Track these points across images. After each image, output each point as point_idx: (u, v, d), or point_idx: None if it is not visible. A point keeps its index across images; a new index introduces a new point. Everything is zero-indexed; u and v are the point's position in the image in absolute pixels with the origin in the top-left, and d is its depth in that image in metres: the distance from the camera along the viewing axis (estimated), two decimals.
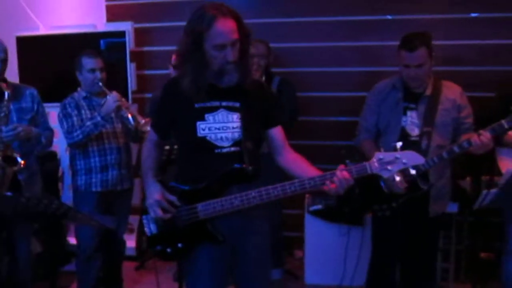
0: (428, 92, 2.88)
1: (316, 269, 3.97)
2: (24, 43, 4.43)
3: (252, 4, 4.47)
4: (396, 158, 2.01)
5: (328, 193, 2.06)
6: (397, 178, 2.14)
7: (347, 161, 2.97)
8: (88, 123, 3.16)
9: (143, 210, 2.33)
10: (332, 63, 4.43)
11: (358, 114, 3.19)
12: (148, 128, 2.53)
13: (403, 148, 2.02)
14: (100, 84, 3.30)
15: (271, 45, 3.94)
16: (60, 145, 4.32)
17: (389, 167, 2.02)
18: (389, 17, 4.29)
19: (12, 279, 3.07)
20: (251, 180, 2.15)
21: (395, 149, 2.03)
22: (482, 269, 3.77)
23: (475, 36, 4.17)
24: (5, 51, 2.96)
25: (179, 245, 2.24)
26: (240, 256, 2.23)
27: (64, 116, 3.28)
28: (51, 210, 2.35)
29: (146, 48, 4.66)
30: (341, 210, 3.65)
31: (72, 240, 3.99)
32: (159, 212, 2.19)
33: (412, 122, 2.87)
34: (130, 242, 4.27)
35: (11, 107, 2.97)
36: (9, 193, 2.65)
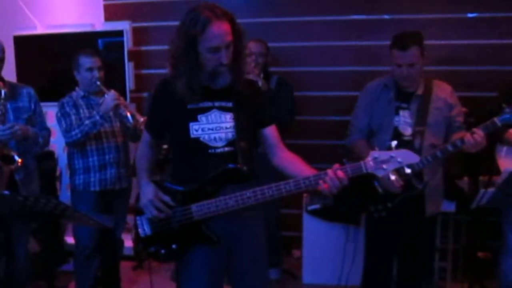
0: (420, 91, 2.88)
1: (314, 269, 3.98)
2: (21, 42, 4.44)
3: (250, 3, 4.48)
4: (391, 157, 2.02)
5: (322, 193, 2.06)
6: (392, 177, 2.15)
7: (344, 160, 2.97)
8: (87, 122, 3.16)
9: (136, 211, 2.32)
10: (329, 63, 4.43)
11: None
12: None
13: (397, 147, 2.03)
14: (98, 83, 3.30)
15: (269, 44, 3.94)
16: (58, 145, 4.31)
17: (384, 166, 2.02)
18: (386, 16, 4.30)
19: (9, 279, 3.06)
20: (246, 180, 2.14)
21: (390, 148, 2.03)
22: (479, 268, 3.77)
23: (472, 36, 4.18)
24: (2, 50, 2.95)
25: (174, 246, 2.23)
26: (235, 256, 2.22)
27: (62, 115, 3.27)
28: (48, 209, 2.34)
29: (144, 48, 4.66)
30: (339, 209, 3.65)
31: (70, 240, 3.98)
32: (154, 212, 2.19)
33: (404, 121, 2.86)
34: (128, 242, 4.27)
35: (8, 106, 2.97)
36: (6, 192, 2.64)
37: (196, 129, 2.15)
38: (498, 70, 4.13)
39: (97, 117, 3.15)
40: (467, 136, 2.60)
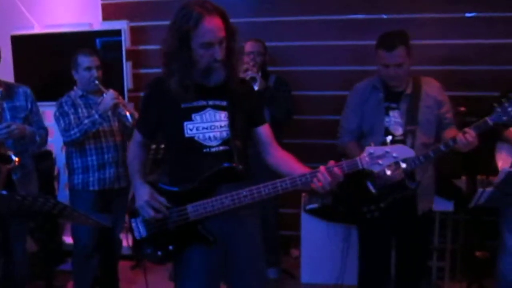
0: (409, 90, 2.86)
1: (313, 268, 3.98)
2: (19, 42, 4.43)
3: (248, 3, 4.47)
4: (387, 152, 2.03)
5: (316, 190, 2.06)
6: (388, 172, 2.15)
7: (343, 159, 2.97)
8: (86, 121, 3.16)
9: (130, 213, 2.30)
10: (327, 62, 4.44)
11: None
12: None
13: (392, 142, 2.04)
14: (97, 82, 3.30)
15: (267, 44, 3.95)
16: (55, 144, 4.30)
17: (380, 161, 2.04)
18: (384, 16, 4.30)
19: (7, 279, 3.06)
20: (241, 179, 2.14)
21: (384, 144, 2.04)
22: (477, 268, 3.78)
23: (470, 36, 4.19)
24: None
25: (170, 247, 2.22)
26: (232, 256, 2.22)
27: (61, 114, 3.27)
28: (46, 209, 2.33)
29: (142, 47, 4.66)
30: (337, 208, 3.65)
31: (68, 239, 3.98)
32: (151, 212, 2.17)
33: (395, 122, 2.85)
34: (126, 241, 4.26)
35: (5, 105, 2.96)
36: (3, 192, 2.64)
37: (191, 129, 2.14)
38: (496, 70, 4.14)
39: (96, 116, 3.14)
40: (459, 136, 2.60)
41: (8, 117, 2.97)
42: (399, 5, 4.26)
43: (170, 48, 2.06)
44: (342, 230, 3.82)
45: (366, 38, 4.32)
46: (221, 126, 2.15)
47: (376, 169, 2.06)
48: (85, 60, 3.29)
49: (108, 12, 4.67)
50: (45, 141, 3.21)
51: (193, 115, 2.14)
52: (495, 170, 2.95)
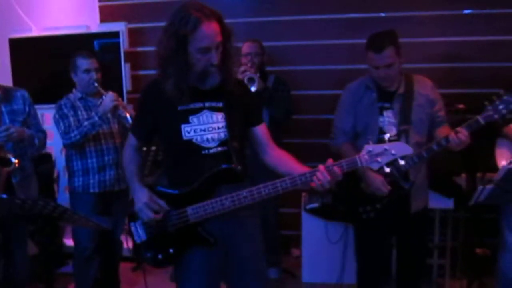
0: (401, 90, 2.85)
1: (313, 267, 3.98)
2: (17, 45, 4.43)
3: (246, 3, 4.47)
4: (385, 149, 2.04)
5: (316, 189, 2.06)
6: (387, 170, 2.14)
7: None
8: (86, 123, 3.16)
9: (130, 217, 2.29)
10: (326, 61, 4.44)
11: None
12: None
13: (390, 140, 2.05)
14: (96, 84, 3.30)
15: (264, 44, 3.94)
16: (55, 147, 4.31)
17: (378, 159, 2.04)
18: (382, 14, 4.30)
19: (8, 281, 3.06)
20: (240, 180, 2.14)
21: (383, 141, 2.04)
22: (478, 265, 3.77)
23: (469, 33, 4.19)
24: None
25: (171, 250, 2.21)
26: (233, 257, 2.22)
27: (61, 116, 3.27)
28: (46, 212, 2.33)
29: (140, 48, 4.65)
30: (337, 207, 3.65)
31: (69, 242, 3.98)
32: (151, 214, 2.17)
33: (389, 122, 2.83)
34: (126, 243, 4.26)
35: (3, 109, 2.97)
36: (3, 195, 2.64)
37: (188, 131, 2.14)
38: (495, 67, 4.14)
39: (96, 118, 3.15)
40: (452, 135, 2.59)
41: (7, 120, 2.97)
42: (397, 3, 4.25)
43: (166, 51, 2.05)
44: (342, 229, 3.82)
45: (365, 36, 4.28)
46: (218, 128, 2.15)
47: (375, 167, 2.07)
48: (84, 63, 3.29)
49: (106, 14, 4.66)
50: (43, 144, 3.20)
51: (190, 117, 2.14)
52: (495, 168, 2.95)
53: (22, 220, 2.90)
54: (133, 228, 2.28)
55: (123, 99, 4.05)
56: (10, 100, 3.04)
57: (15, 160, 2.83)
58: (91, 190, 3.33)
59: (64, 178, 4.13)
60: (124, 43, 4.33)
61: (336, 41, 4.40)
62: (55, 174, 4.32)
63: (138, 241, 2.28)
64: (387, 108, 2.86)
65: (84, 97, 3.37)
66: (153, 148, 3.55)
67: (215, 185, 2.13)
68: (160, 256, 2.24)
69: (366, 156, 2.04)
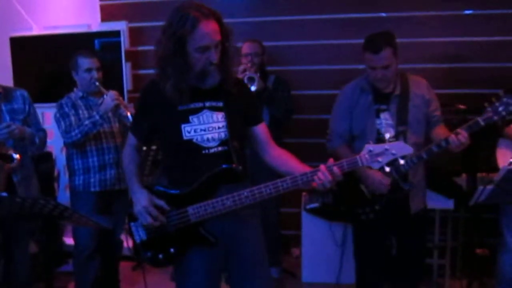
0: (397, 91, 2.85)
1: (313, 267, 3.98)
2: (18, 43, 4.43)
3: (246, 3, 4.47)
4: (386, 149, 2.05)
5: (317, 189, 2.07)
6: (387, 169, 2.15)
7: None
8: (87, 122, 3.16)
9: (130, 217, 2.29)
10: (326, 61, 4.44)
11: None
12: None
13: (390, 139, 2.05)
14: (97, 83, 3.30)
15: (264, 44, 3.94)
16: (55, 146, 4.31)
17: (379, 159, 2.05)
18: (383, 14, 4.30)
19: (9, 281, 3.06)
20: (240, 180, 2.14)
21: (383, 141, 2.04)
22: (478, 266, 3.78)
23: (469, 33, 4.19)
24: None
25: (171, 250, 2.21)
26: (234, 257, 2.22)
27: (62, 115, 3.27)
28: (47, 211, 2.34)
29: (141, 48, 4.65)
30: (338, 208, 3.65)
31: (69, 241, 3.98)
32: (149, 219, 2.17)
33: (386, 123, 2.83)
34: (126, 242, 4.26)
35: (3, 108, 2.97)
36: (4, 194, 2.64)
37: (189, 131, 2.13)
38: (496, 67, 4.14)
39: (97, 117, 3.15)
40: (452, 137, 2.59)
41: (7, 119, 2.97)
42: (397, 3, 4.25)
43: (165, 51, 2.04)
44: (342, 229, 3.82)
45: (365, 36, 4.32)
46: (218, 127, 2.15)
47: (375, 167, 2.08)
48: (85, 62, 3.29)
49: (107, 13, 4.66)
50: (44, 143, 3.21)
51: (190, 117, 2.14)
52: (495, 168, 2.96)
53: (22, 219, 2.90)
54: (133, 228, 2.28)
55: (124, 98, 4.06)
56: (10, 99, 3.04)
57: (16, 156, 2.83)
58: (92, 189, 3.33)
59: (64, 177, 4.13)
60: (125, 42, 4.34)
61: (336, 41, 4.40)
62: (56, 173, 4.32)
63: (138, 241, 2.28)
64: (383, 110, 2.86)
65: (85, 96, 3.37)
66: (153, 147, 3.55)
67: (216, 185, 2.13)
68: (160, 256, 2.23)
69: (366, 156, 2.05)
